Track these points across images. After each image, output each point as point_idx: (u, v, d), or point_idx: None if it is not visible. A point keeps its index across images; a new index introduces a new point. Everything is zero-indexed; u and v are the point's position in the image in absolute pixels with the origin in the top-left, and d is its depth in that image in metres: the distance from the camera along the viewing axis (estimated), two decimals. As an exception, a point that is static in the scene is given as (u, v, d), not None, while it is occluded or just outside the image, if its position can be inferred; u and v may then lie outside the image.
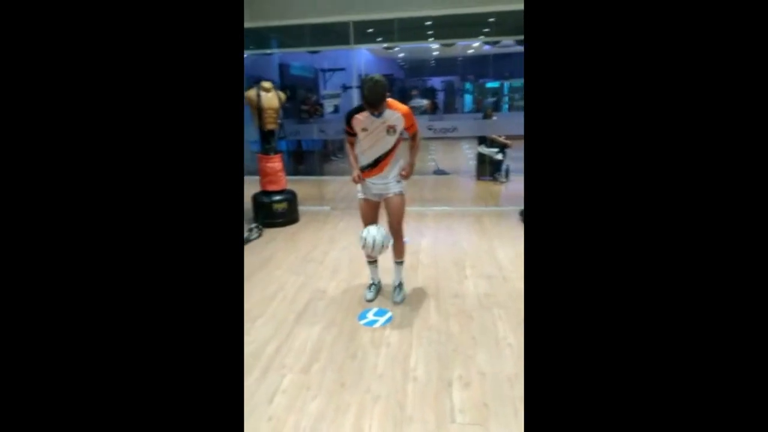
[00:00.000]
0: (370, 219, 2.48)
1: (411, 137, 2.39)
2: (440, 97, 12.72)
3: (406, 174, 2.39)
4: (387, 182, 2.39)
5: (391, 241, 2.47)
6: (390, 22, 4.37)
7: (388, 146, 2.32)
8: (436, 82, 12.99)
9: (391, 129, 2.27)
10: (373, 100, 2.12)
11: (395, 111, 2.24)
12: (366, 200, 2.46)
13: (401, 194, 2.42)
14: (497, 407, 1.67)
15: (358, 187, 2.44)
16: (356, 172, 2.38)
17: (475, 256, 3.24)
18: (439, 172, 6.62)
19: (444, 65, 12.50)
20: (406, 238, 3.60)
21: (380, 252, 2.43)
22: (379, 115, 2.20)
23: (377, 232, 2.39)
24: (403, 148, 2.42)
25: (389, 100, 2.23)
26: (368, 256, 2.59)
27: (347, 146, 2.46)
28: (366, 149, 2.34)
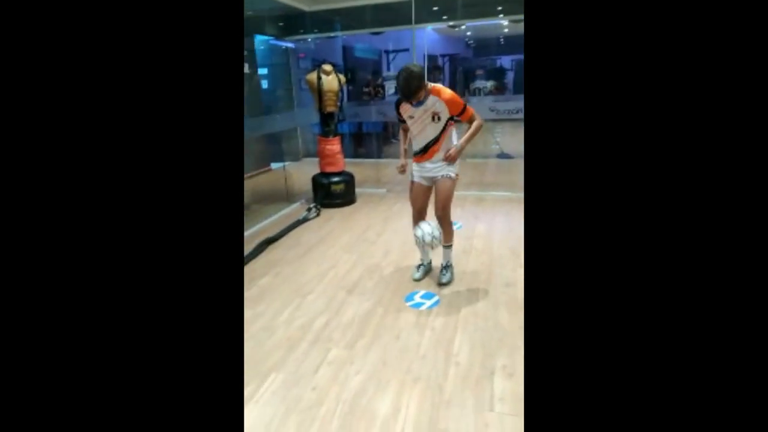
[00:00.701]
0: (419, 203, 2.49)
1: (468, 123, 2.31)
2: (509, 76, 12.11)
3: (452, 156, 2.28)
4: (437, 167, 2.38)
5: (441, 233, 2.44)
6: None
7: (436, 132, 2.30)
8: (506, 61, 12.37)
9: (435, 116, 2.24)
10: (407, 92, 2.13)
11: (437, 98, 2.21)
12: (415, 184, 2.47)
13: (451, 178, 2.38)
14: (540, 400, 1.61)
15: (412, 168, 2.45)
16: (401, 162, 2.44)
17: (533, 244, 3.10)
18: (503, 156, 6.38)
19: (515, 43, 11.81)
20: (459, 223, 3.57)
21: (433, 246, 2.45)
22: (419, 104, 2.20)
23: (428, 227, 2.40)
24: (462, 134, 2.35)
25: (433, 86, 2.22)
26: (420, 247, 2.61)
27: (401, 133, 2.49)
28: (416, 135, 2.36)
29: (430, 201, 2.49)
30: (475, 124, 2.29)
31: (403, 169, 2.45)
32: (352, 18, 4.91)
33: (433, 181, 2.42)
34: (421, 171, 2.42)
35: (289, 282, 2.69)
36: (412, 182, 2.48)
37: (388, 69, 8.34)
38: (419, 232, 2.41)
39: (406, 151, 2.46)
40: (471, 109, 2.29)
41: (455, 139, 2.40)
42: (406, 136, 2.46)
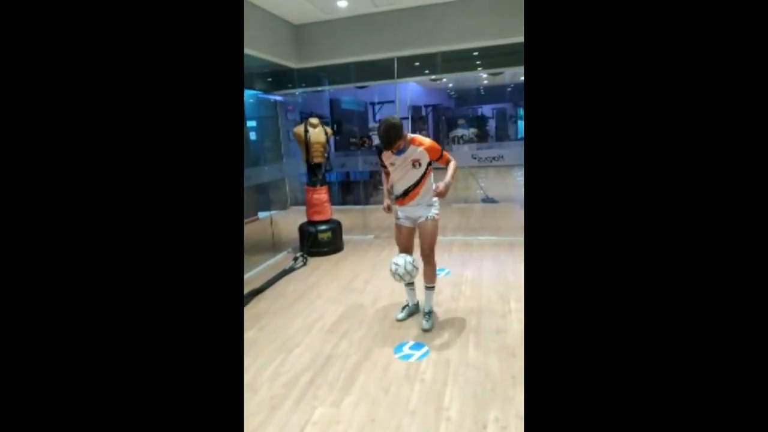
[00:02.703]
0: (404, 244, 2.57)
1: (444, 164, 2.47)
2: (491, 124, 12.61)
3: (441, 192, 2.35)
4: (419, 208, 2.50)
5: (421, 266, 2.53)
6: (433, 55, 4.47)
7: (416, 178, 2.44)
8: (486, 109, 12.93)
9: (416, 162, 2.40)
10: (387, 141, 2.29)
11: (417, 146, 2.38)
12: (399, 226, 2.57)
13: (434, 219, 2.50)
14: (536, 456, 1.54)
15: (396, 213, 2.56)
16: (386, 203, 2.56)
17: (521, 290, 3.09)
18: (487, 200, 6.49)
19: (495, 93, 12.43)
20: (447, 270, 3.56)
21: (409, 278, 2.50)
22: (399, 152, 2.37)
23: (402, 259, 2.47)
24: (438, 178, 2.44)
25: (411, 136, 2.40)
26: (405, 283, 2.66)
27: (383, 177, 2.61)
28: (396, 181, 2.50)
29: (416, 243, 2.56)
30: (452, 164, 2.45)
31: (388, 209, 2.56)
32: (338, 73, 5.14)
33: (415, 222, 2.53)
34: (404, 212, 2.53)
35: (275, 335, 2.61)
36: (398, 224, 2.57)
37: (374, 120, 8.64)
38: (394, 267, 2.48)
39: (389, 191, 2.58)
40: (447, 153, 2.47)
41: (433, 184, 2.49)
42: (388, 178, 2.57)
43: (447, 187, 2.37)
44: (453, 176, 2.42)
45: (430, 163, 2.43)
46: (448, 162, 2.45)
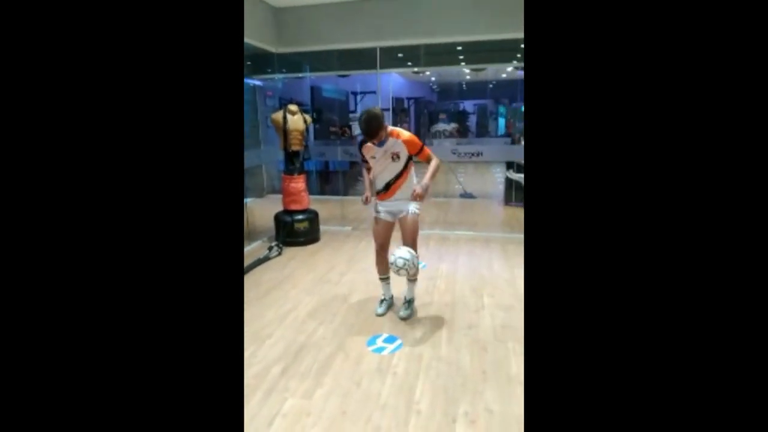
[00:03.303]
0: (381, 237, 2.55)
1: (425, 161, 2.43)
2: (472, 120, 12.69)
3: (419, 195, 2.30)
4: (400, 203, 2.48)
5: (418, 263, 2.48)
6: (416, 47, 4.43)
7: (396, 171, 2.42)
8: (468, 105, 12.99)
9: (395, 156, 2.38)
10: (368, 132, 2.26)
11: (396, 139, 2.35)
12: (378, 220, 2.54)
13: (415, 214, 2.48)
14: (502, 450, 1.57)
15: (376, 206, 2.52)
16: (366, 194, 2.49)
17: (495, 285, 3.14)
18: (465, 195, 6.55)
19: (477, 88, 12.49)
20: (423, 263, 3.58)
21: (397, 272, 2.40)
22: (380, 144, 2.34)
23: (404, 253, 2.38)
24: (421, 173, 2.43)
25: (391, 128, 2.37)
26: (380, 274, 2.65)
27: (364, 171, 2.56)
28: (377, 174, 2.47)
29: (396, 237, 2.54)
30: (433, 163, 2.39)
31: (367, 200, 2.47)
32: (319, 60, 5.04)
33: (396, 216, 2.51)
34: (384, 206, 2.51)
35: (247, 326, 2.57)
36: (377, 218, 2.54)
37: (355, 110, 8.55)
38: (391, 258, 2.39)
39: (371, 183, 2.51)
40: (428, 149, 2.42)
41: (415, 179, 2.48)
42: (369, 172, 2.53)
43: (425, 190, 2.30)
44: (433, 177, 2.35)
45: (410, 158, 2.40)
46: (429, 159, 2.39)
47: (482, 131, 12.35)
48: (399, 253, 2.38)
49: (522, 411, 1.77)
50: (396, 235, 2.54)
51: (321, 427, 1.71)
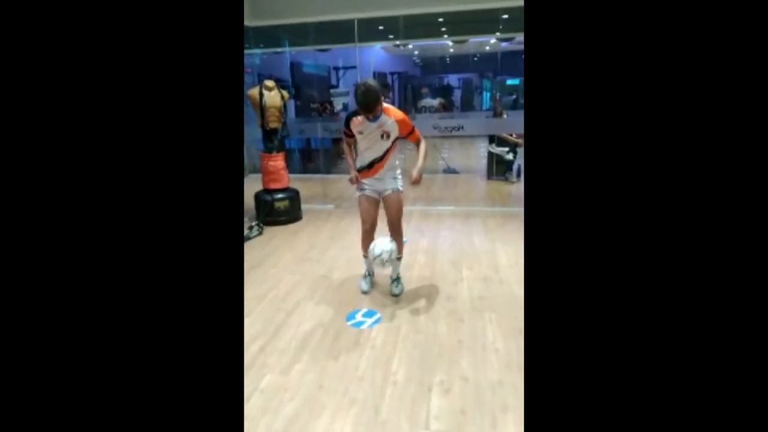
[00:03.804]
0: (370, 216, 2.50)
1: (416, 145, 2.40)
2: (457, 95, 12.57)
3: (415, 180, 2.29)
4: (384, 181, 2.44)
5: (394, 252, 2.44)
6: (395, 19, 4.32)
7: (382, 150, 2.37)
8: (453, 79, 12.84)
9: (385, 134, 2.32)
10: (365, 105, 2.16)
11: (389, 117, 2.29)
12: (365, 196, 2.49)
13: (399, 192, 2.47)
14: (475, 415, 1.62)
15: (360, 184, 2.47)
16: (353, 173, 2.45)
17: (474, 258, 3.17)
18: (449, 170, 6.54)
19: (461, 62, 12.32)
20: (405, 238, 3.58)
21: (384, 264, 2.42)
22: (374, 119, 2.25)
23: (386, 243, 2.39)
24: (410, 156, 2.40)
25: (386, 106, 2.29)
26: (365, 252, 2.60)
27: (345, 147, 2.49)
28: (362, 151, 2.41)
29: (381, 216, 2.52)
30: (423, 146, 2.38)
31: (356, 180, 2.44)
32: (296, 34, 4.90)
33: (380, 194, 2.47)
34: (369, 184, 2.46)
35: (226, 305, 2.56)
36: (362, 195, 2.49)
37: (337, 85, 8.38)
38: (378, 250, 2.39)
39: (353, 160, 2.47)
40: (418, 131, 2.38)
41: (397, 159, 2.45)
42: (351, 149, 2.47)
43: (420, 174, 2.30)
44: (425, 159, 2.34)
45: (397, 138, 2.34)
46: (418, 141, 2.37)
47: (467, 106, 12.26)
48: (382, 245, 2.38)
49: (496, 378, 1.82)
50: (382, 213, 2.52)
51: (298, 401, 1.73)
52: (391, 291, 2.61)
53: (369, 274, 2.70)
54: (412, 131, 2.34)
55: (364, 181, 2.46)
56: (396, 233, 2.51)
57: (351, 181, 2.46)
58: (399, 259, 2.60)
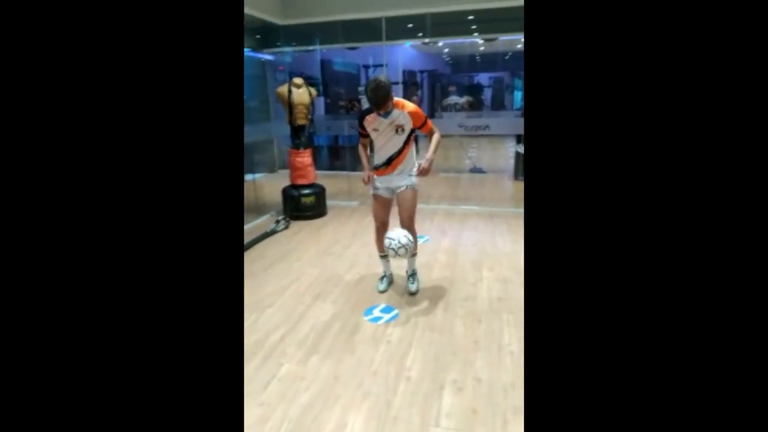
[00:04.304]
0: (382, 215, 2.53)
1: (428, 135, 2.42)
2: (487, 93, 12.36)
3: (426, 169, 2.30)
4: (400, 177, 2.45)
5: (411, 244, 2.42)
6: (424, 17, 4.31)
7: (399, 145, 2.38)
8: (483, 78, 12.63)
9: (399, 128, 2.33)
10: (376, 101, 2.19)
11: (402, 110, 2.30)
12: (377, 197, 2.51)
13: (413, 188, 2.46)
14: (486, 415, 1.62)
15: (373, 183, 2.49)
16: (366, 173, 2.46)
17: (495, 259, 3.14)
18: (475, 170, 6.48)
19: (492, 61, 12.10)
20: (426, 237, 3.60)
21: (405, 254, 2.39)
22: (386, 115, 2.27)
23: (402, 236, 2.36)
24: (422, 148, 2.41)
25: (396, 99, 2.31)
26: (381, 251, 2.64)
27: (360, 147, 2.51)
28: (379, 149, 2.42)
29: (393, 213, 2.54)
30: (436, 136, 2.40)
31: (369, 180, 2.44)
32: (325, 32, 4.97)
33: (394, 192, 2.48)
34: (383, 183, 2.47)
35: (250, 295, 2.65)
36: (375, 195, 2.52)
37: (365, 85, 8.42)
38: (394, 242, 2.35)
39: (369, 159, 2.48)
40: (430, 122, 2.39)
41: (415, 154, 2.46)
42: (365, 149, 2.50)
43: (430, 164, 2.32)
44: (436, 150, 2.36)
45: (413, 131, 2.36)
46: (431, 132, 2.39)
47: (498, 105, 12.05)
48: (395, 236, 2.35)
49: (509, 380, 1.81)
50: (395, 210, 2.54)
51: (313, 391, 1.78)
52: (407, 289, 2.62)
53: (385, 275, 2.72)
54: (425, 122, 2.35)
55: (378, 179, 2.46)
56: (411, 230, 2.47)
57: (364, 181, 2.45)
58: (414, 255, 2.59)
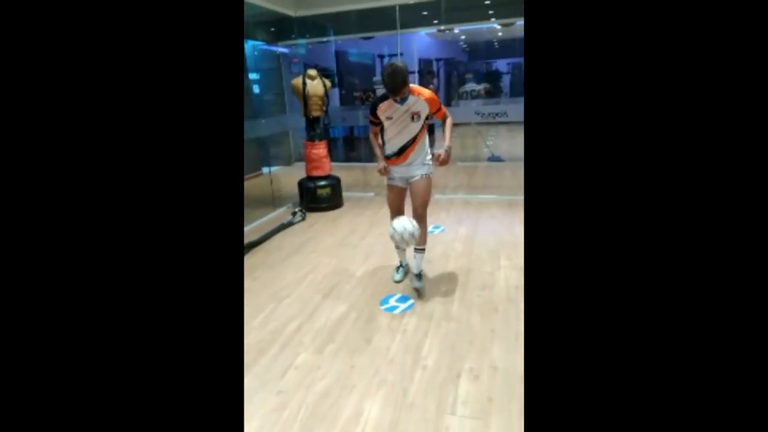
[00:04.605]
0: (396, 203, 2.50)
1: (441, 122, 2.38)
2: (506, 80, 12.13)
3: (443, 160, 2.25)
4: (413, 167, 2.40)
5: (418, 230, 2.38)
6: (438, 3, 4.24)
7: (413, 133, 2.32)
8: (501, 64, 12.38)
9: (415, 115, 2.27)
10: (393, 86, 2.13)
11: (418, 96, 2.25)
12: (392, 186, 2.48)
13: (428, 177, 2.40)
14: (502, 403, 1.61)
15: (390, 172, 2.45)
16: (382, 164, 2.42)
17: (513, 247, 3.10)
18: (494, 158, 6.37)
19: (510, 47, 11.83)
20: (442, 227, 3.57)
21: (410, 243, 2.36)
22: (402, 101, 2.22)
23: (408, 222, 2.34)
24: (437, 137, 2.38)
25: (412, 86, 2.25)
26: (397, 246, 2.60)
27: (371, 137, 2.46)
28: (391, 137, 2.36)
29: (408, 202, 2.50)
30: (449, 122, 2.38)
31: (385, 171, 2.41)
32: (339, 23, 4.94)
33: (407, 181, 2.44)
34: (398, 172, 2.42)
35: (267, 286, 2.69)
36: (390, 185, 2.48)
37: (381, 74, 8.37)
38: (399, 228, 2.32)
39: (381, 149, 2.43)
40: (445, 108, 2.36)
41: (428, 142, 2.41)
42: (377, 137, 2.44)
43: (449, 154, 2.25)
44: (451, 137, 2.32)
45: (427, 117, 2.31)
46: (444, 118, 2.35)
47: (517, 91, 11.81)
48: (398, 226, 2.31)
49: (527, 368, 1.79)
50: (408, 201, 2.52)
51: (330, 379, 1.80)
52: (413, 285, 2.54)
53: (401, 265, 2.70)
54: (439, 108, 2.32)
55: (395, 168, 2.41)
56: (420, 221, 2.41)
57: (380, 172, 2.41)
58: (421, 251, 2.52)
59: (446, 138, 2.32)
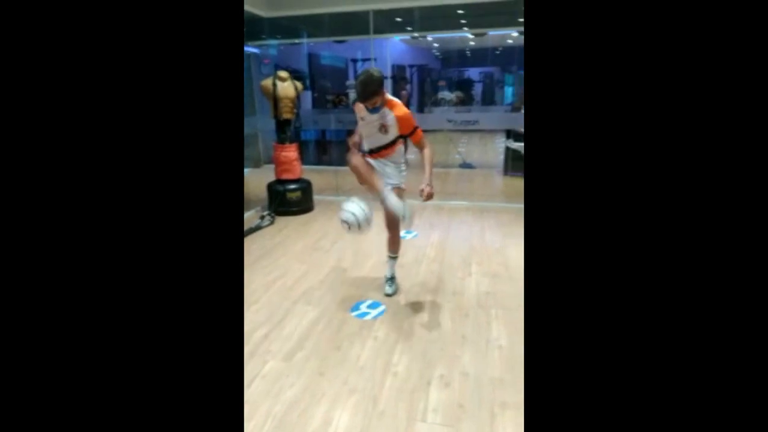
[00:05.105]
0: (365, 170, 2.20)
1: (419, 150, 2.23)
2: (478, 89, 12.38)
3: (429, 195, 2.07)
4: (388, 168, 2.30)
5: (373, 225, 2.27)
6: (412, 10, 4.27)
7: (382, 142, 2.25)
8: (474, 73, 12.64)
9: (383, 127, 2.18)
10: (363, 95, 2.06)
11: (390, 111, 2.14)
12: (367, 162, 2.26)
13: (400, 188, 2.34)
14: (473, 409, 1.61)
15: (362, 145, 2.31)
16: (355, 138, 2.33)
17: (484, 254, 3.13)
18: (465, 165, 6.47)
19: (482, 56, 12.10)
20: (414, 232, 3.57)
21: (367, 227, 2.22)
22: (374, 111, 2.13)
23: (356, 206, 2.20)
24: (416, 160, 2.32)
25: (389, 99, 2.16)
26: (391, 252, 2.50)
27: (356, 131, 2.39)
28: (365, 137, 2.32)
29: (382, 217, 2.42)
30: (428, 154, 2.19)
31: (355, 145, 2.29)
32: (312, 26, 4.90)
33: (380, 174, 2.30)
34: (373, 162, 2.29)
35: (234, 292, 2.60)
36: (363, 155, 2.27)
37: (354, 78, 8.37)
38: (356, 210, 2.19)
39: (361, 136, 2.33)
40: (421, 132, 2.21)
41: (403, 152, 2.36)
42: (358, 131, 2.36)
43: (432, 187, 2.08)
44: (431, 168, 2.16)
45: (403, 137, 2.21)
46: (422, 147, 2.18)
47: (488, 100, 12.07)
48: (349, 207, 2.20)
49: (496, 374, 1.80)
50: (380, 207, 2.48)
51: (298, 387, 1.75)
52: (384, 290, 2.51)
53: (392, 277, 2.56)
54: (413, 131, 2.17)
55: (369, 159, 2.28)
56: (393, 230, 2.36)
57: (351, 141, 2.26)
58: (395, 258, 2.50)
59: (426, 173, 2.12)
